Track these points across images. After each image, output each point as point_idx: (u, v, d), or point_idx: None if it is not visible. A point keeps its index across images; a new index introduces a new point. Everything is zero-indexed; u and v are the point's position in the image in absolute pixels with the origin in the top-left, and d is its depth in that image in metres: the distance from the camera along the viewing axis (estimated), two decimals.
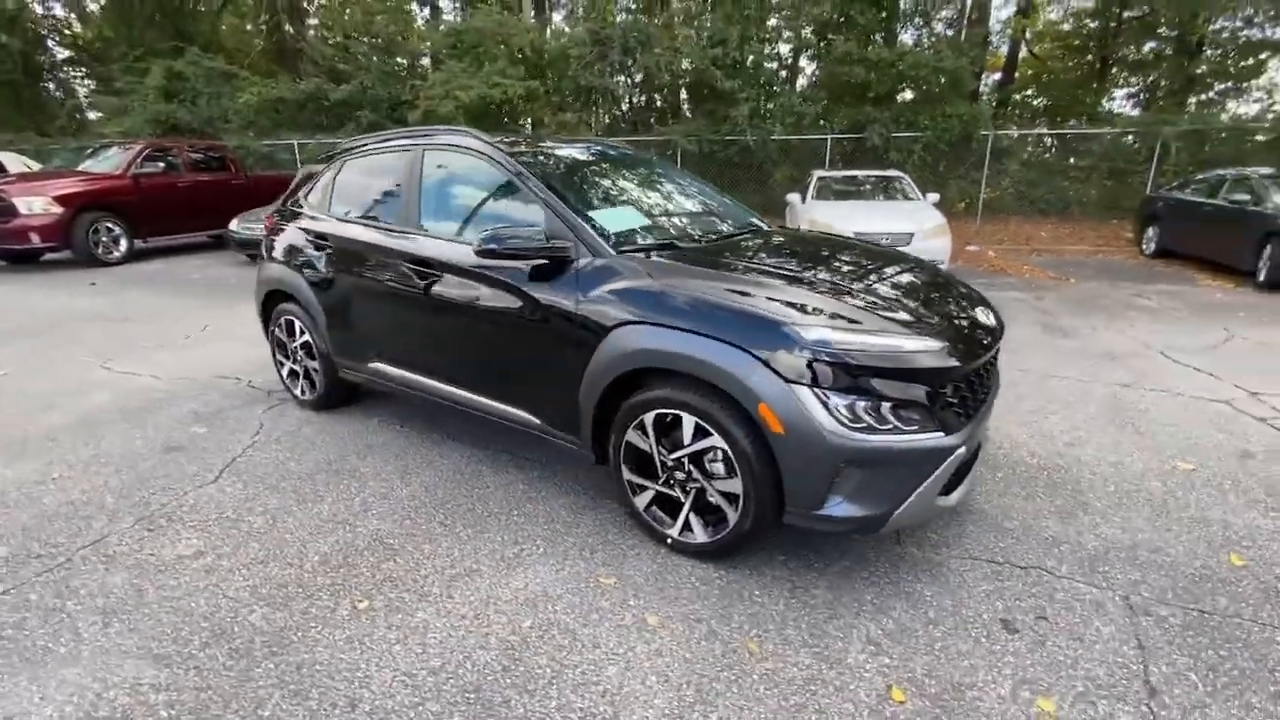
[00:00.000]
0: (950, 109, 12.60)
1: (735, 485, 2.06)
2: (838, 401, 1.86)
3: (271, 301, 3.64)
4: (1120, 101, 17.53)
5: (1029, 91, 18.58)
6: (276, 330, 3.64)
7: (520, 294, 2.47)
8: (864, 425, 1.85)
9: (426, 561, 2.28)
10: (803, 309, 2.00)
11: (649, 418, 2.20)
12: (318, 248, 3.32)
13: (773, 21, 14.12)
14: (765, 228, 3.20)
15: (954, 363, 1.97)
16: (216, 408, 3.64)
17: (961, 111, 12.55)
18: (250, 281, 4.03)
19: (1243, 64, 15.15)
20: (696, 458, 2.14)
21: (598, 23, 13.48)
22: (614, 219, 2.61)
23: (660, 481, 2.28)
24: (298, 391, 3.66)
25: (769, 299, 2.06)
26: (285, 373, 3.71)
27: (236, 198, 9.29)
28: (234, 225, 7.94)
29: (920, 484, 1.92)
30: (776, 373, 1.90)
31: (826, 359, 1.86)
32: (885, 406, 1.87)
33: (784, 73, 15.42)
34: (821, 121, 13.16)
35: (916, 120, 12.78)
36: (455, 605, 2.04)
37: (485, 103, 12.53)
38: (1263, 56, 14.91)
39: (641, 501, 2.35)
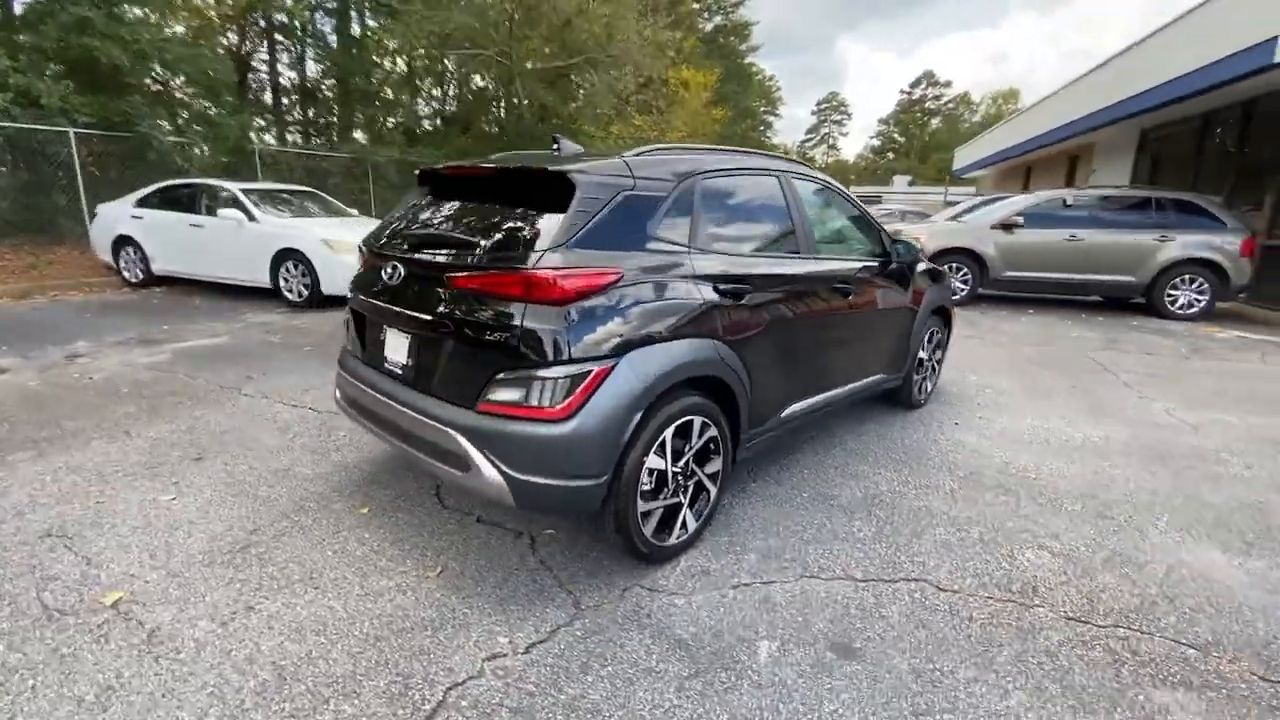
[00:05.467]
0: (219, 119, 11.69)
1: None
2: None
3: (643, 413, 2.13)
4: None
5: None
6: (655, 457, 2.22)
7: (898, 285, 3.76)
8: None
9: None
10: None
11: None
12: (727, 294, 2.47)
13: None
14: None
15: None
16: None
17: (231, 120, 11.74)
18: None
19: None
20: None
21: None
22: None
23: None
24: (673, 539, 2.38)
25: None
26: (655, 523, 2.30)
27: None
28: None
29: None
30: None
31: None
32: None
33: None
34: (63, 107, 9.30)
35: (187, 125, 11.67)
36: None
37: None
38: None
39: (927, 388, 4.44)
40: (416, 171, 2.79)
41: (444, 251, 2.28)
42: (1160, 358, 6.11)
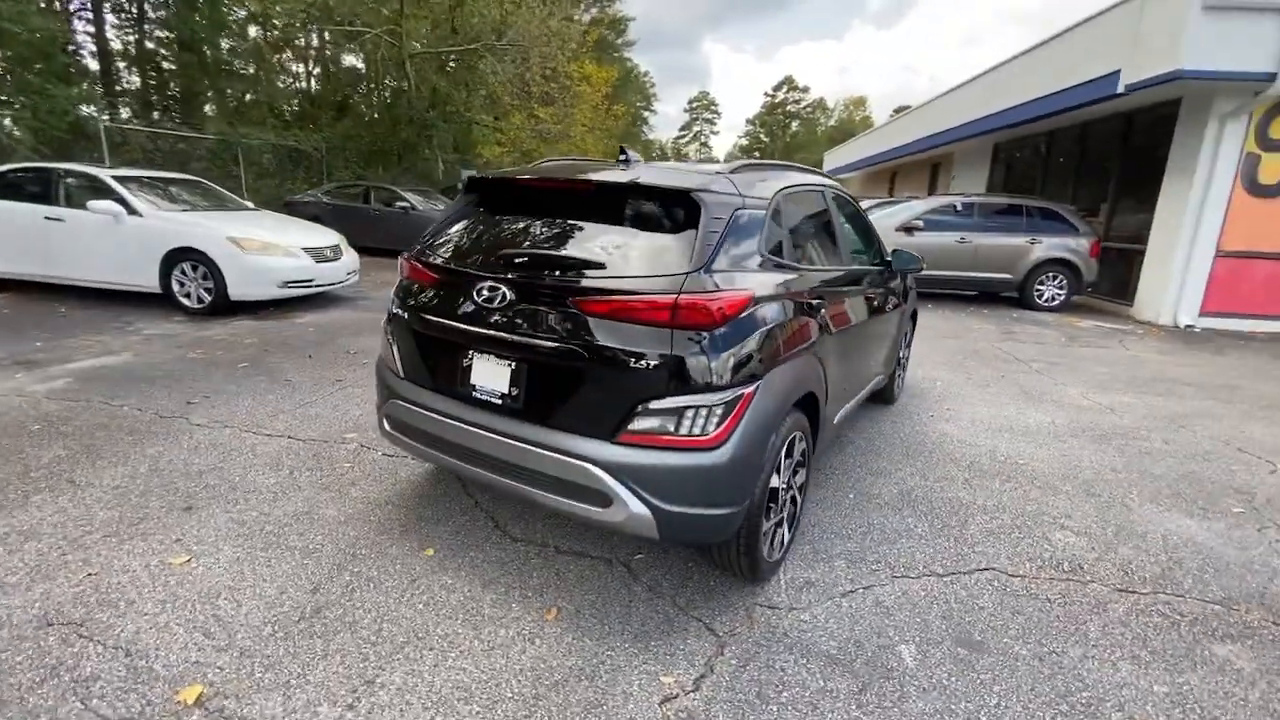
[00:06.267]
0: (52, 88, 9.99)
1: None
2: None
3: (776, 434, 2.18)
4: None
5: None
6: (775, 476, 2.26)
7: (896, 290, 4.02)
8: None
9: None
10: None
11: None
12: (813, 308, 2.57)
13: None
14: None
15: None
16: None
17: (69, 93, 10.17)
18: None
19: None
20: None
21: None
22: None
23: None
24: (776, 554, 2.44)
25: None
26: (769, 541, 2.34)
27: None
28: None
29: None
30: None
31: None
32: None
33: None
34: None
35: (14, 95, 10.06)
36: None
37: None
38: None
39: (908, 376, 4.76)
40: (465, 176, 2.57)
41: (556, 272, 2.11)
42: (1050, 346, 7.08)
